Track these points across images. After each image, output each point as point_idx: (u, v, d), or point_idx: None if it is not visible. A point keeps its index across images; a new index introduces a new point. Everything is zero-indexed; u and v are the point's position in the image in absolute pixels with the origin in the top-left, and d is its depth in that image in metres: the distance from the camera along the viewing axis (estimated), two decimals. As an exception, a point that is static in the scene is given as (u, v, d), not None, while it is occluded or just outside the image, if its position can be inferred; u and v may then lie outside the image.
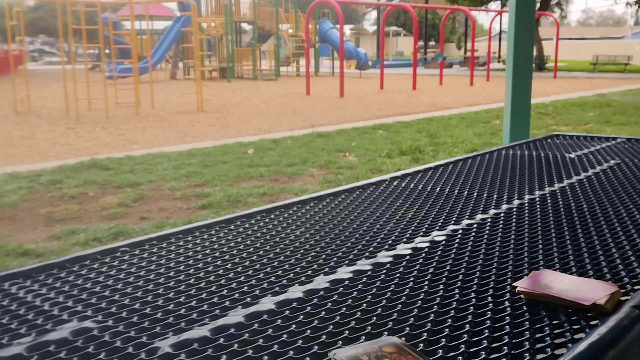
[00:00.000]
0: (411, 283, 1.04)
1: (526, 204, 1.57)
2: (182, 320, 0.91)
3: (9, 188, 5.46)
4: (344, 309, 0.94)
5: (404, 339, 0.83)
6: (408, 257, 1.18)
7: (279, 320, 0.90)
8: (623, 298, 0.97)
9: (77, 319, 0.92)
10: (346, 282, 1.05)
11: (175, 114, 11.72)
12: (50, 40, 56.68)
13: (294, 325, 0.88)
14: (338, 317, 0.91)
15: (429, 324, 0.88)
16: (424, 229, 1.36)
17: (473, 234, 1.33)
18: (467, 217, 1.46)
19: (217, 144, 8.03)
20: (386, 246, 1.25)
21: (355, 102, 13.88)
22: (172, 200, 5.13)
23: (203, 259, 1.18)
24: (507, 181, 1.85)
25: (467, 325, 0.88)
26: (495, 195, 1.66)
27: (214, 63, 25.28)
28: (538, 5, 28.34)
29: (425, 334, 0.85)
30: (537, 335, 0.85)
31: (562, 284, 1.00)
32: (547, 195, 1.67)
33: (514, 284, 1.02)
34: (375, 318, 0.91)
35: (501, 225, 1.38)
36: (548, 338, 0.84)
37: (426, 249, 1.23)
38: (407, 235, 1.32)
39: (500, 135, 8.56)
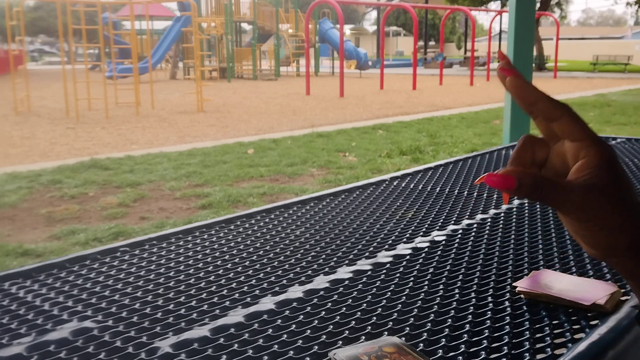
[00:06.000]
0: (411, 283, 1.04)
1: (526, 204, 1.57)
2: (182, 320, 0.91)
3: (9, 188, 5.46)
4: (344, 309, 0.94)
5: (404, 339, 0.83)
6: (408, 257, 1.18)
7: (279, 320, 0.90)
8: (623, 298, 0.97)
9: (77, 319, 0.92)
10: (346, 282, 1.05)
11: (175, 114, 11.72)
12: (50, 40, 56.68)
13: (294, 325, 0.89)
14: (338, 317, 0.91)
15: (429, 324, 0.88)
16: (424, 229, 1.36)
17: (473, 234, 1.33)
18: (467, 217, 1.46)
19: (217, 144, 8.03)
20: (386, 246, 1.25)
21: (355, 102, 13.88)
22: (172, 200, 5.13)
23: (203, 259, 1.18)
24: (507, 181, 1.84)
25: (467, 325, 0.88)
26: (495, 195, 1.66)
27: (214, 63, 25.27)
28: (538, 5, 28.33)
29: (425, 334, 0.85)
30: (537, 335, 0.85)
31: (562, 284, 1.00)
32: (547, 195, 1.67)
33: (514, 284, 1.02)
34: (375, 318, 0.91)
35: (501, 225, 1.38)
36: (548, 338, 0.84)
37: (426, 249, 1.23)
38: (407, 235, 1.32)
39: (500, 135, 8.56)
